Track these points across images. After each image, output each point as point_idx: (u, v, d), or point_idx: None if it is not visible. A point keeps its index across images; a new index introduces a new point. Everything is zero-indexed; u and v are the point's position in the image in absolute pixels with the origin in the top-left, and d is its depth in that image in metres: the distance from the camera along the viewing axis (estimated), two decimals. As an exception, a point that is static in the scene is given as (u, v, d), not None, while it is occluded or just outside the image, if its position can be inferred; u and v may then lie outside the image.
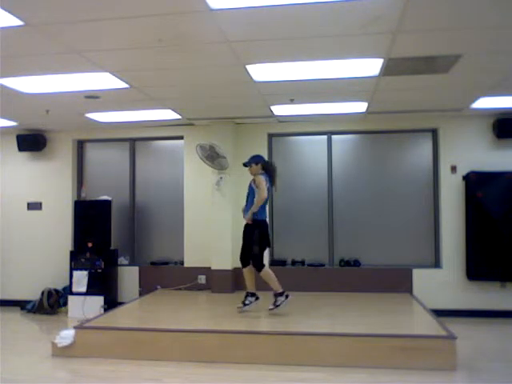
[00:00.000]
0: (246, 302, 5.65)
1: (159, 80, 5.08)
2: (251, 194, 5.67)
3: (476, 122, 6.84)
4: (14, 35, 3.71)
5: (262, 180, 5.57)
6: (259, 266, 5.52)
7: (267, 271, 5.54)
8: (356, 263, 7.10)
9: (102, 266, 7.01)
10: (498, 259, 6.59)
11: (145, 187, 7.85)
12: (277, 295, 5.51)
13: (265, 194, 5.50)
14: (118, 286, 7.43)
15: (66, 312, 7.02)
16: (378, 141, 7.34)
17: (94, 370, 4.54)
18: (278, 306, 5.46)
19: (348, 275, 7.03)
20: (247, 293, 5.69)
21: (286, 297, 5.49)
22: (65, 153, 7.83)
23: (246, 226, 5.65)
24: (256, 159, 5.80)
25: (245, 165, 5.83)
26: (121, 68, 4.65)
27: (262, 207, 5.61)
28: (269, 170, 5.74)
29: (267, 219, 5.78)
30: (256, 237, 5.53)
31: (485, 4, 3.28)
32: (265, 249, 5.64)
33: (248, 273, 5.66)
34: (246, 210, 5.68)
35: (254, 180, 5.67)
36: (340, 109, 6.41)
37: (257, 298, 5.67)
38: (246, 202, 5.72)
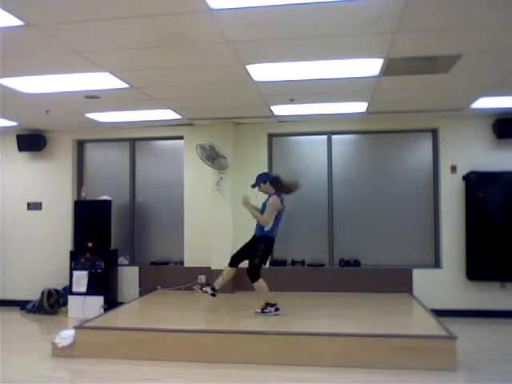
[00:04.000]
0: (204, 290, 5.79)
1: (159, 80, 5.08)
2: (264, 212, 5.60)
3: (476, 122, 6.84)
4: (14, 35, 3.71)
5: (272, 204, 5.49)
6: (255, 278, 5.50)
7: (261, 283, 5.51)
8: (356, 263, 7.10)
9: (102, 266, 7.01)
10: (498, 259, 6.59)
11: (145, 187, 7.85)
12: (268, 304, 5.51)
13: (266, 221, 5.48)
14: (118, 286, 7.43)
15: (66, 312, 7.02)
16: (378, 141, 7.34)
17: (94, 370, 4.55)
18: (264, 313, 5.47)
19: (348, 275, 7.02)
20: (213, 285, 5.76)
21: (276, 310, 5.49)
22: (65, 153, 7.83)
23: (254, 237, 5.66)
24: (262, 178, 5.70)
25: (253, 186, 5.74)
26: (121, 68, 4.65)
27: (276, 225, 5.60)
28: (277, 185, 5.65)
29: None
30: (261, 249, 5.53)
31: (485, 4, 3.28)
32: (264, 263, 5.64)
33: (229, 272, 5.72)
34: (257, 229, 5.65)
35: (268, 200, 5.60)
36: (340, 109, 6.41)
37: (213, 295, 5.74)
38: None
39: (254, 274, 5.50)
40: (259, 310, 5.50)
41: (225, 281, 5.73)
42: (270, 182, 5.67)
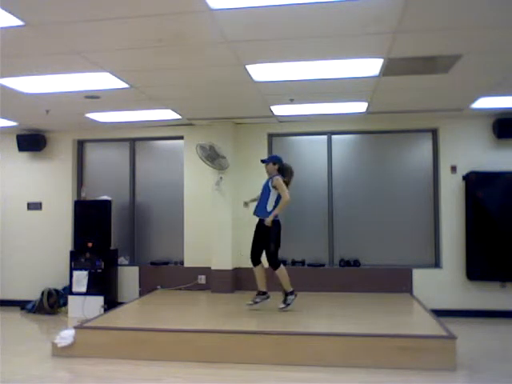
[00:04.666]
0: (257, 300, 5.73)
1: (159, 80, 5.08)
2: (265, 193, 5.69)
3: (476, 122, 6.84)
4: (14, 35, 3.71)
5: (282, 182, 5.60)
6: (276, 264, 5.61)
7: (283, 270, 5.62)
8: (356, 263, 7.10)
9: (102, 266, 7.01)
10: (498, 259, 6.59)
11: (145, 187, 7.85)
12: (287, 294, 5.61)
13: (288, 196, 5.54)
14: (118, 286, 7.43)
15: (66, 312, 7.02)
16: (378, 141, 7.34)
17: (94, 370, 4.55)
18: (288, 304, 5.59)
19: (348, 275, 7.02)
20: (258, 291, 5.76)
21: (295, 295, 5.63)
22: (65, 153, 7.83)
23: (261, 224, 5.69)
24: (275, 159, 5.87)
25: (263, 161, 5.89)
26: (121, 68, 4.65)
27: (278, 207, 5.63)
28: (284, 172, 5.74)
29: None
30: (273, 235, 5.59)
31: (485, 4, 3.28)
32: (279, 247, 5.71)
33: (259, 271, 5.73)
34: (259, 210, 5.70)
35: (271, 180, 5.68)
36: (340, 109, 6.41)
37: (267, 297, 5.76)
38: (260, 200, 5.74)
39: (273, 260, 5.61)
40: (283, 306, 5.58)
41: (262, 280, 5.74)
42: (280, 166, 5.78)
